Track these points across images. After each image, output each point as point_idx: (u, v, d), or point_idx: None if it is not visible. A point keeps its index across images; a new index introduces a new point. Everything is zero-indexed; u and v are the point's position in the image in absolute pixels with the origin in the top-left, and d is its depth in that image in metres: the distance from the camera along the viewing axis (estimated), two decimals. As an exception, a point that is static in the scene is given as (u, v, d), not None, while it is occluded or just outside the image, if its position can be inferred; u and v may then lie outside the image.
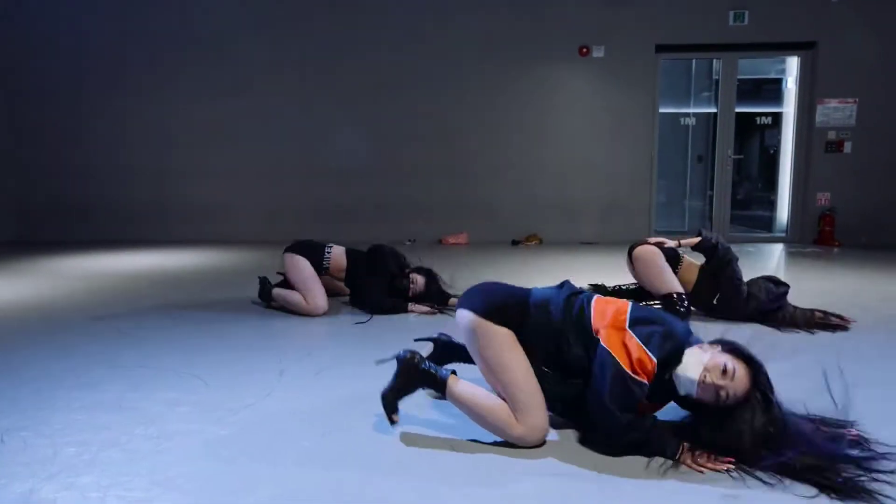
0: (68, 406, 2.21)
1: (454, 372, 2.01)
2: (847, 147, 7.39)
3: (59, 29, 7.84)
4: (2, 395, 2.32)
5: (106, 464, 1.76)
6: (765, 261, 6.12)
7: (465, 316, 1.97)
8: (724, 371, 1.70)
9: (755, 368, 1.73)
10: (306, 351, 2.96)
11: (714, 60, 7.91)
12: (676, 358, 1.77)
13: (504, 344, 1.91)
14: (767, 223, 8.39)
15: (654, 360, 1.74)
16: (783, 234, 7.75)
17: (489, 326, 1.92)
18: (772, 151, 8.39)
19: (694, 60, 8.42)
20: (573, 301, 1.97)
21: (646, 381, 1.75)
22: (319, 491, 1.62)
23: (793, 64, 7.68)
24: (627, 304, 1.91)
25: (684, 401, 1.85)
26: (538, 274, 5.10)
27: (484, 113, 7.64)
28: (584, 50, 7.47)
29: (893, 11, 7.20)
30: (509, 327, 1.93)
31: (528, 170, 7.69)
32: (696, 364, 1.74)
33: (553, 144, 7.66)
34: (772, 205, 8.25)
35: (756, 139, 9.45)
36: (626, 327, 1.80)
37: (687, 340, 1.82)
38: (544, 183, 7.68)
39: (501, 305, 1.96)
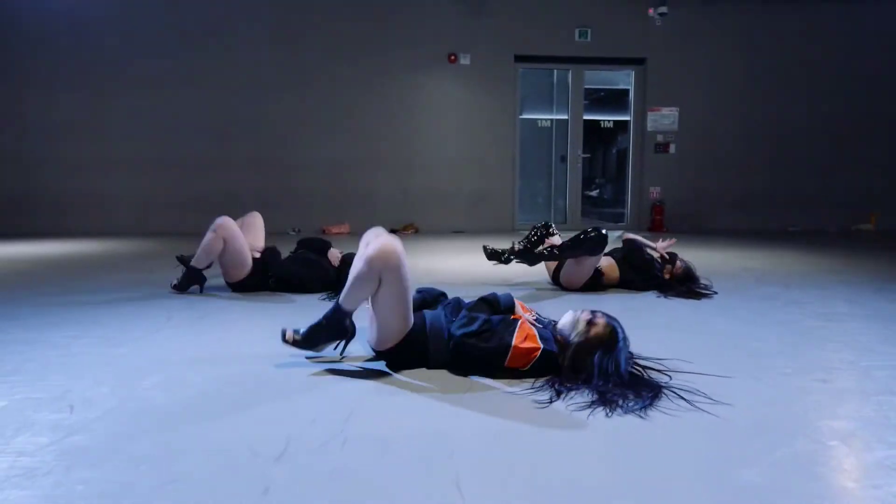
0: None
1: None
2: (672, 148, 8.75)
3: None
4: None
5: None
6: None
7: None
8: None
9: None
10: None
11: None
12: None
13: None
14: (620, 218, 9.55)
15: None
16: (623, 224, 8.99)
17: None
18: (614, 151, 9.66)
19: (555, 72, 9.46)
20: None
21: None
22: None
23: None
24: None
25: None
26: (420, 258, 5.70)
27: (364, 112, 8.21)
28: (453, 57, 8.25)
29: (704, 33, 8.67)
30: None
31: (403, 165, 8.35)
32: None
33: (426, 141, 8.38)
34: (623, 201, 9.43)
35: (614, 144, 10.68)
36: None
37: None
38: (418, 177, 8.38)
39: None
